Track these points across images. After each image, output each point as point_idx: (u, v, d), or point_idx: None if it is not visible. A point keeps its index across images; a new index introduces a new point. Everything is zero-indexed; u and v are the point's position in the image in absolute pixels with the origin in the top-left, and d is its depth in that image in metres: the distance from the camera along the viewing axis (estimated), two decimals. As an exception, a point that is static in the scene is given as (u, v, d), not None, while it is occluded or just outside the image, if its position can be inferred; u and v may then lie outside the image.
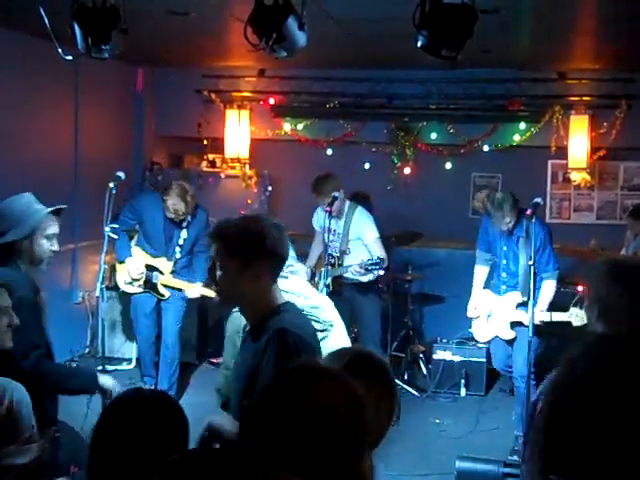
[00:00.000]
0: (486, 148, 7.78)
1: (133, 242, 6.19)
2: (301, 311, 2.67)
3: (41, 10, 3.84)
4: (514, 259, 5.46)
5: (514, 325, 5.45)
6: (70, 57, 4.04)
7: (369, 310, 6.10)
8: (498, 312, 5.57)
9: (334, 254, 5.94)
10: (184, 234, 5.99)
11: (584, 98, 7.44)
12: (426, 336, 7.39)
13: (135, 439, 1.97)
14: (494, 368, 6.11)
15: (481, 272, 5.83)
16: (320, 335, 2.97)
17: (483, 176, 8.42)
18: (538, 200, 5.27)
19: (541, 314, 5.19)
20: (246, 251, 2.51)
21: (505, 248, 5.51)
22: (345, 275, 5.91)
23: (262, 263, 2.52)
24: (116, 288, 6.51)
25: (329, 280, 5.61)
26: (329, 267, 5.72)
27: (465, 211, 8.45)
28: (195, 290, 6.01)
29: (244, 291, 2.55)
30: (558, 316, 5.22)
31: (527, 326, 4.99)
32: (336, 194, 5.73)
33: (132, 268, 5.98)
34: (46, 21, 3.82)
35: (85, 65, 5.94)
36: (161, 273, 6.04)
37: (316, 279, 5.92)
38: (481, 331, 5.72)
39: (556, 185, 8.27)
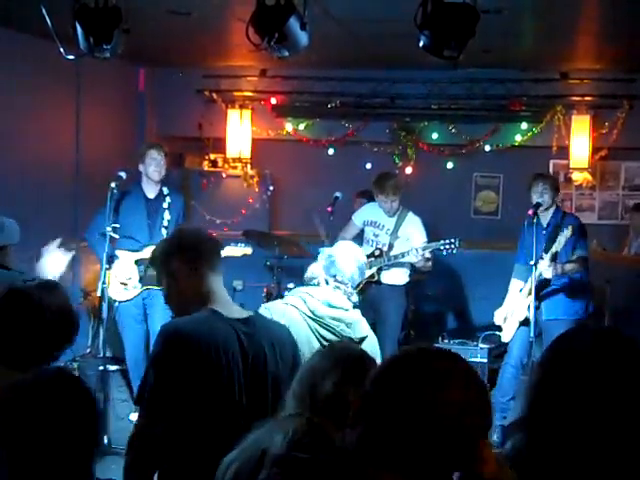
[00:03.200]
0: (488, 148, 7.78)
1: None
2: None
3: (43, 10, 3.85)
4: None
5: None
6: (72, 57, 4.04)
7: (395, 313, 6.14)
8: (518, 305, 5.54)
9: (381, 247, 6.07)
10: (167, 215, 5.80)
11: (586, 98, 7.44)
12: (427, 336, 7.38)
13: (39, 421, 1.89)
14: (496, 368, 6.09)
15: (516, 286, 5.66)
16: None
17: (484, 176, 8.42)
18: (540, 200, 5.28)
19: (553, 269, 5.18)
20: None
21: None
22: (382, 278, 6.03)
23: None
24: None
25: (374, 270, 5.93)
26: (373, 258, 5.97)
27: (467, 211, 8.46)
28: None
29: None
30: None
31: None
32: (337, 194, 5.85)
33: (119, 271, 5.68)
34: (48, 21, 3.83)
35: (86, 65, 5.92)
36: None
37: None
38: (506, 331, 5.66)
39: (558, 185, 8.27)
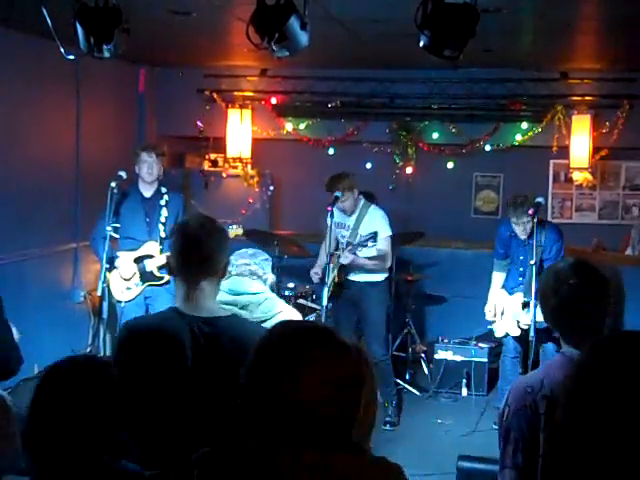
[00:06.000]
0: (488, 148, 7.78)
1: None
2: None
3: (43, 10, 3.85)
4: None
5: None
6: (72, 57, 4.05)
7: (376, 310, 6.07)
8: (508, 310, 5.70)
9: (342, 247, 5.98)
10: (164, 212, 5.86)
11: (586, 98, 7.44)
12: (427, 336, 7.39)
13: (71, 407, 1.99)
14: (495, 368, 6.14)
15: (498, 278, 5.91)
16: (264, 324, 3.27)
17: (485, 176, 8.43)
18: (540, 200, 5.28)
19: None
20: None
21: (522, 258, 5.59)
22: (353, 278, 5.95)
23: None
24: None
25: (335, 272, 5.82)
26: (331, 263, 5.84)
27: (467, 211, 8.46)
28: None
29: None
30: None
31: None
32: (337, 194, 5.82)
33: (123, 268, 5.77)
34: (48, 21, 3.83)
35: (87, 65, 5.94)
36: (151, 257, 5.78)
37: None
38: (498, 327, 5.85)
39: (558, 185, 8.28)
